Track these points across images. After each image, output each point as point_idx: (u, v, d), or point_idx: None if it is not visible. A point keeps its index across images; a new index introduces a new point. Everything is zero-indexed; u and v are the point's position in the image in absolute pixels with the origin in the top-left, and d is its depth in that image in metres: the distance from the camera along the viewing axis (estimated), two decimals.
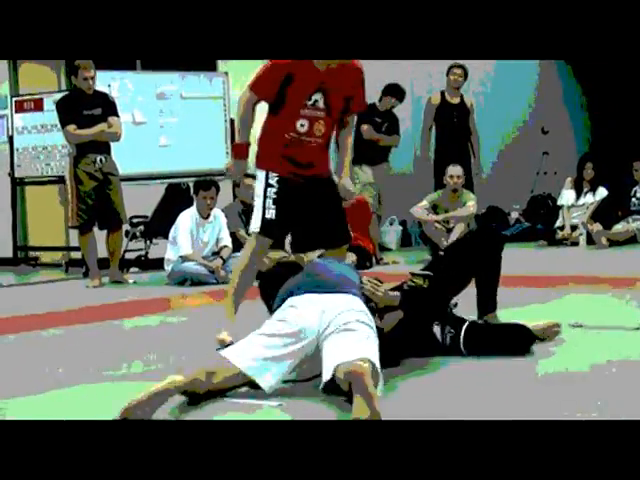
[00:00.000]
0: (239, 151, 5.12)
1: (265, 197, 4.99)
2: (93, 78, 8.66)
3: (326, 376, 3.79)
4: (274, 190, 4.98)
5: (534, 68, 13.75)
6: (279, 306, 4.16)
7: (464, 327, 4.57)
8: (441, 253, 4.64)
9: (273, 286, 4.42)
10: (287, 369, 3.97)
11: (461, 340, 4.56)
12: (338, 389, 3.74)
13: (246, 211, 9.31)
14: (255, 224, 5.03)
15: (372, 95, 10.68)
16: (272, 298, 4.36)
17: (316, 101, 4.93)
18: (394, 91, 10.48)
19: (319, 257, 5.55)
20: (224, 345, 4.75)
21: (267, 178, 5.01)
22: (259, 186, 5.04)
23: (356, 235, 9.69)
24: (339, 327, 3.90)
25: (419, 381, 4.21)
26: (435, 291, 4.58)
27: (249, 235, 5.31)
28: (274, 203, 4.98)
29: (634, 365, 4.36)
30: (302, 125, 4.95)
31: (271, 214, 4.97)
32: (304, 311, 4.01)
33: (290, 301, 4.11)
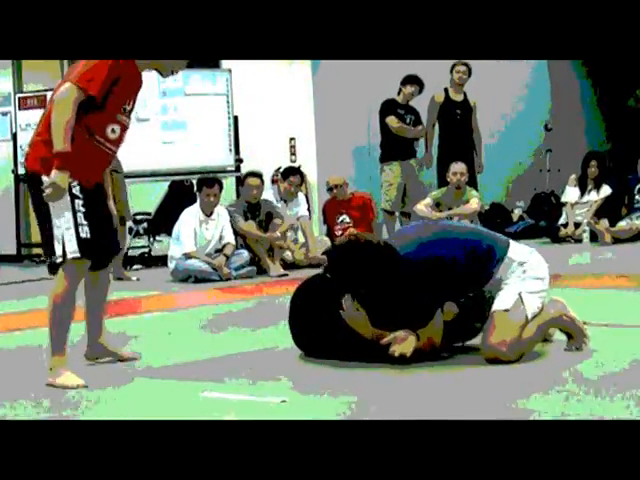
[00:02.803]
0: (65, 161, 4.16)
1: (74, 212, 4.25)
2: None
3: None
4: (81, 202, 4.27)
5: (543, 63, 13.73)
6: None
7: None
8: None
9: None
10: None
11: None
12: None
13: (251, 209, 9.34)
14: (70, 248, 4.25)
15: (389, 91, 10.76)
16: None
17: (130, 108, 4.43)
18: (413, 80, 10.56)
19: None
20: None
21: (70, 188, 4.23)
22: (59, 199, 4.23)
23: (361, 232, 9.73)
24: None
25: (426, 381, 4.21)
26: None
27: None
28: (86, 218, 4.27)
29: (638, 363, 4.36)
30: (113, 131, 4.34)
31: (86, 232, 4.26)
32: None
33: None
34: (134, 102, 4.45)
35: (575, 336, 4.58)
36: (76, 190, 4.26)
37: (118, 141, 4.39)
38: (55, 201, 4.21)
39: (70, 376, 4.27)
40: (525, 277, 4.45)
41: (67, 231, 4.25)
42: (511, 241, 4.61)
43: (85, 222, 4.27)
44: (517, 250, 4.52)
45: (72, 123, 4.16)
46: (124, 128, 4.40)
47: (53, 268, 4.47)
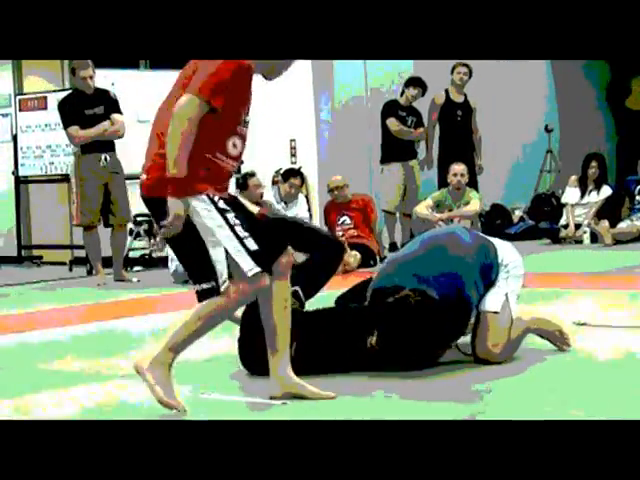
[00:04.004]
0: (180, 187, 3.65)
1: (231, 226, 3.71)
2: (92, 77, 8.67)
3: None
4: (233, 215, 3.73)
5: (545, 63, 13.72)
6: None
7: None
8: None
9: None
10: None
11: None
12: None
13: None
14: (247, 266, 3.69)
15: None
16: None
17: (247, 117, 3.86)
18: (417, 82, 10.59)
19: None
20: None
21: (214, 203, 3.71)
22: (207, 218, 3.70)
23: (361, 234, 9.72)
24: None
25: (418, 382, 4.21)
26: None
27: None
28: (245, 230, 3.73)
29: (638, 363, 4.36)
30: (235, 145, 3.80)
31: (252, 244, 3.71)
32: None
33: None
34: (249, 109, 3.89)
35: (554, 340, 4.66)
36: (222, 204, 3.72)
37: (239, 157, 3.86)
38: (175, 233, 3.69)
39: (165, 383, 3.72)
40: (508, 277, 4.52)
41: (237, 253, 3.69)
42: (495, 242, 4.65)
43: (247, 233, 3.73)
44: (502, 253, 4.57)
45: (190, 143, 3.63)
46: (244, 141, 3.85)
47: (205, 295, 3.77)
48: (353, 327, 4.35)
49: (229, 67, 3.64)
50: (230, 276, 3.71)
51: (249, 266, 3.69)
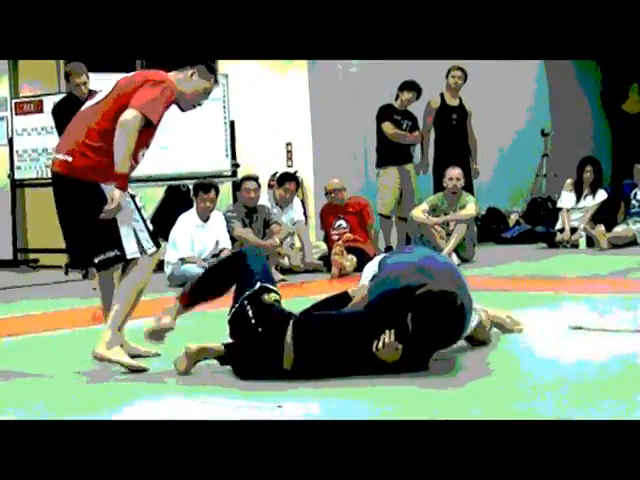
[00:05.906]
0: (126, 182, 4.52)
1: (138, 209, 4.68)
2: (85, 84, 8.63)
3: None
4: (137, 199, 4.72)
5: (539, 67, 13.74)
6: None
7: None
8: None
9: None
10: None
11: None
12: None
13: (248, 214, 9.33)
14: (148, 245, 4.66)
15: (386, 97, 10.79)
16: None
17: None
18: (411, 86, 10.58)
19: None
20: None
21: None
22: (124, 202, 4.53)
23: (357, 238, 9.72)
24: None
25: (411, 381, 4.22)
26: None
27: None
28: (141, 215, 4.70)
29: (634, 367, 4.37)
30: (143, 155, 4.71)
31: (149, 225, 4.72)
32: None
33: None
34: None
35: (506, 326, 5.13)
36: (129, 189, 4.59)
37: (138, 163, 4.70)
38: (110, 217, 4.51)
39: (122, 353, 4.67)
40: None
41: (140, 232, 4.62)
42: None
43: (145, 216, 4.70)
44: None
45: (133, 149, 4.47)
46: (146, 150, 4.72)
47: (103, 266, 4.77)
48: (360, 330, 4.32)
49: (166, 94, 4.42)
50: (141, 252, 4.62)
51: (149, 245, 4.65)
